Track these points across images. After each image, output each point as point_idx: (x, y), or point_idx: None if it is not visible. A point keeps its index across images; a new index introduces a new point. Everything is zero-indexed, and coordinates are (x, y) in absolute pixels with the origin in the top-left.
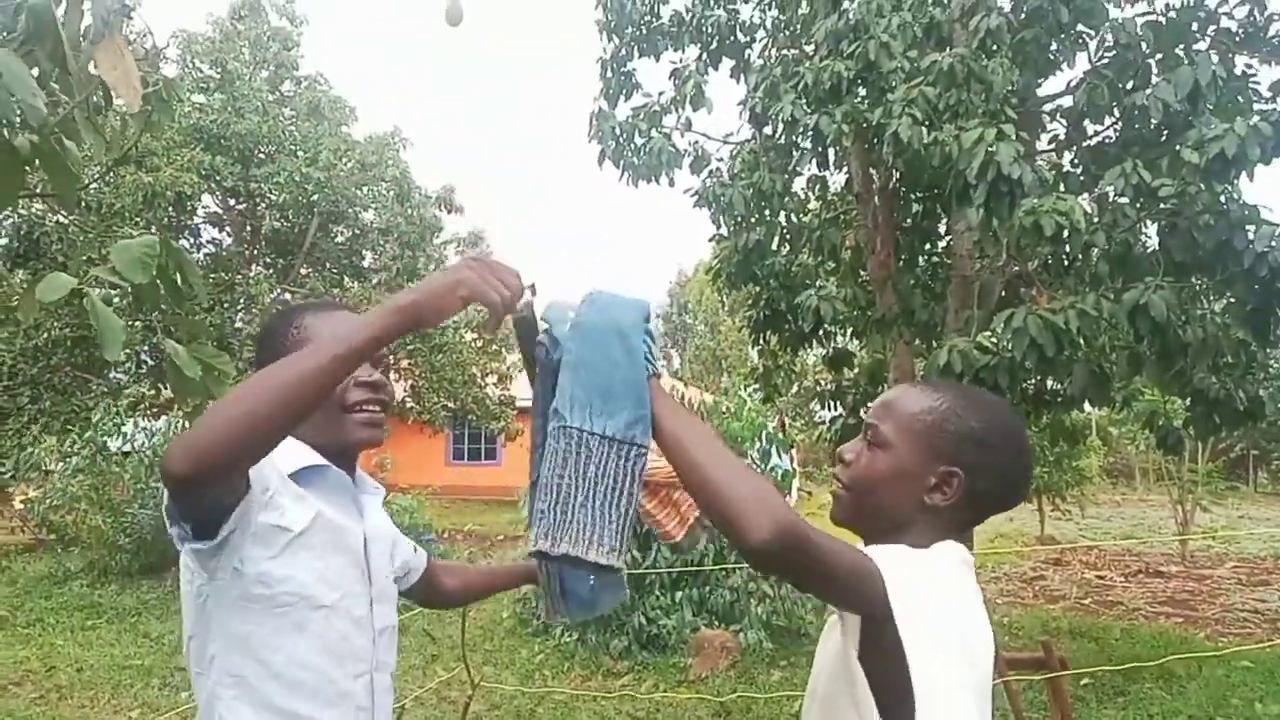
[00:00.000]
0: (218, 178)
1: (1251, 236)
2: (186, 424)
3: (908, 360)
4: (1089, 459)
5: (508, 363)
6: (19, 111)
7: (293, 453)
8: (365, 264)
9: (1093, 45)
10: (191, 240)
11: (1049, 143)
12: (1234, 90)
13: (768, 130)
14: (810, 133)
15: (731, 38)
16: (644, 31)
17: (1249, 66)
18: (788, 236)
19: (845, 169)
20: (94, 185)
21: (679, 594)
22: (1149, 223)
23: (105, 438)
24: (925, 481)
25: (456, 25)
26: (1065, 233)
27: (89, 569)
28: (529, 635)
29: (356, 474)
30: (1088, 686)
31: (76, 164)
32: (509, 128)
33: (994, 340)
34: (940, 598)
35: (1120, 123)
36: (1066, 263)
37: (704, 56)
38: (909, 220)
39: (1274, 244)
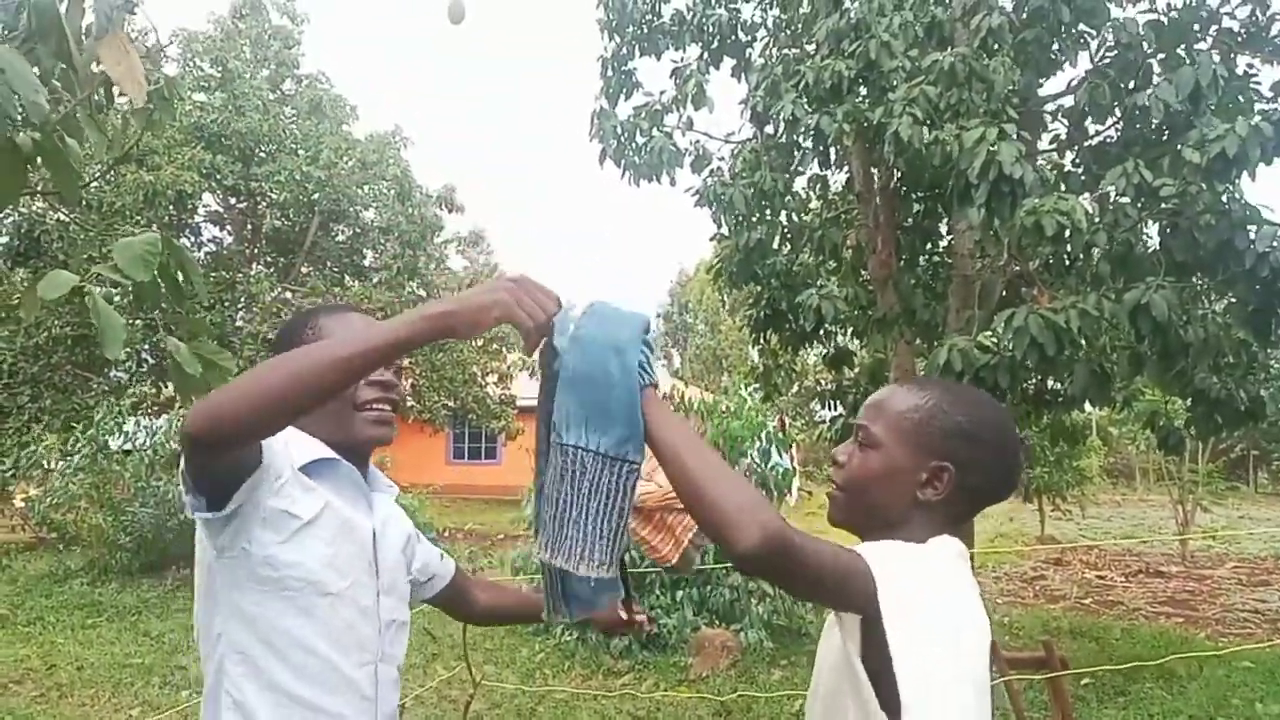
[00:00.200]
0: (218, 176)
1: (1253, 236)
2: None
3: (908, 360)
4: (1089, 459)
5: (508, 362)
6: (21, 108)
7: (305, 446)
8: (366, 263)
9: (1094, 45)
10: (192, 239)
11: (1050, 142)
12: (1235, 90)
13: (769, 129)
14: (811, 132)
15: (733, 37)
16: (645, 30)
17: (1250, 66)
18: (789, 236)
19: (846, 168)
20: (95, 183)
21: (679, 593)
22: (1150, 223)
23: (106, 436)
24: (917, 477)
25: (458, 23)
26: (1066, 232)
27: (89, 567)
28: (529, 634)
29: (370, 471)
30: (1088, 686)
31: (78, 161)
32: (510, 126)
33: (995, 340)
34: (934, 591)
35: (1121, 122)
36: (1068, 262)
37: (705, 55)
38: (910, 220)
39: (1275, 244)
